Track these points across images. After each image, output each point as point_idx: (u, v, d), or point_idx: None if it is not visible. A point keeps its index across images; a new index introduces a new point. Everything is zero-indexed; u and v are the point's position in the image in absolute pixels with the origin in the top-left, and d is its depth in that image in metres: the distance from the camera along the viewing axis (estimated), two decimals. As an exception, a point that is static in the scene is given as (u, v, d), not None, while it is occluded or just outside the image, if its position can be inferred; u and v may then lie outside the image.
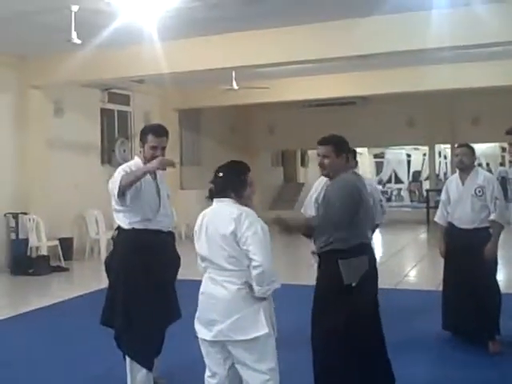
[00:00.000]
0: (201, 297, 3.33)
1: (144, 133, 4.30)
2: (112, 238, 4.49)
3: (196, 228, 3.38)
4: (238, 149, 17.33)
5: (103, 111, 13.05)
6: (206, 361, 3.35)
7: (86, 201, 11.62)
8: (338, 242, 3.74)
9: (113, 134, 13.34)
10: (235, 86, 11.82)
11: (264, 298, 3.23)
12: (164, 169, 4.16)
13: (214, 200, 3.37)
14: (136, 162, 4.31)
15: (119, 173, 4.14)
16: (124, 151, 13.21)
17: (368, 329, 3.83)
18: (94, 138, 12.69)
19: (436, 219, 5.72)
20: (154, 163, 4.03)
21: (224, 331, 3.21)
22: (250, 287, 3.20)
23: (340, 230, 3.73)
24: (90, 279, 9.42)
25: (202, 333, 3.30)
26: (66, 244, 10.95)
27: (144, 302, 4.12)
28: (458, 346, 5.29)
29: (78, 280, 9.84)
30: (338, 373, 3.75)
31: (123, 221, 4.23)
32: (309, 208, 5.45)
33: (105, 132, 13.12)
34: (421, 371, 4.75)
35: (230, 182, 3.36)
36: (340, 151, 3.90)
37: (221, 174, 3.39)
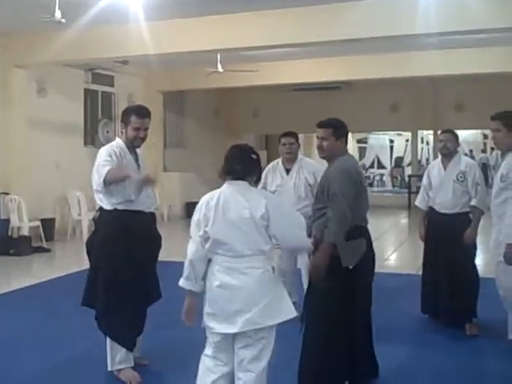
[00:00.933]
0: (218, 290, 3.14)
1: (126, 114, 4.26)
2: (93, 219, 4.46)
3: (206, 212, 3.17)
4: (222, 132, 17.31)
5: (87, 92, 12.95)
6: (216, 354, 3.22)
7: (69, 182, 11.58)
8: None
9: (96, 115, 13.26)
10: (220, 69, 11.77)
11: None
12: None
13: (228, 183, 3.24)
14: (118, 144, 4.28)
15: (104, 158, 4.10)
16: (107, 132, 13.14)
17: (358, 312, 3.86)
18: (77, 119, 12.60)
19: (417, 203, 5.79)
20: (140, 181, 4.11)
21: (253, 319, 3.10)
22: (273, 269, 3.19)
23: (347, 209, 3.66)
24: (71, 260, 9.41)
25: (223, 328, 3.16)
26: (47, 225, 10.91)
27: (125, 283, 4.13)
28: (436, 329, 5.37)
29: (60, 261, 9.82)
30: (323, 354, 3.77)
31: (105, 202, 4.21)
32: None
33: (88, 113, 13.03)
34: (399, 352, 4.83)
35: (256, 165, 3.29)
36: (339, 134, 3.92)
37: (254, 156, 3.27)
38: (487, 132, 24.30)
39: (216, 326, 3.18)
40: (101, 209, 4.29)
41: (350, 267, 3.69)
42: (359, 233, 3.78)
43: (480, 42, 10.74)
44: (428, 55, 11.78)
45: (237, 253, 3.12)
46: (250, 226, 3.12)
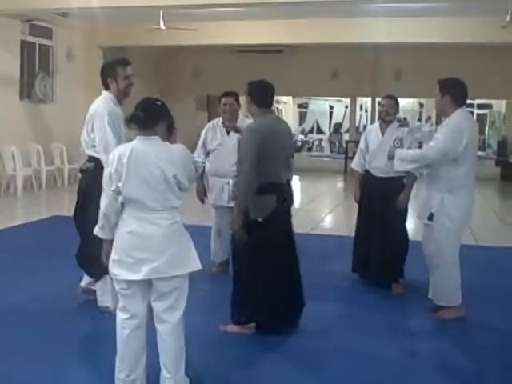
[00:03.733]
0: (127, 236, 3.20)
1: (110, 68, 4.55)
2: (81, 170, 4.69)
3: (119, 167, 3.18)
4: (162, 91, 17.10)
5: (23, 44, 12.50)
6: (124, 303, 3.27)
7: (3, 136, 11.25)
8: None
9: (33, 69, 12.85)
10: (162, 26, 11.60)
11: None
12: None
13: (140, 138, 3.25)
14: (111, 98, 4.53)
15: (106, 120, 4.37)
16: (44, 87, 12.79)
17: (275, 258, 4.23)
18: (12, 72, 12.17)
19: (353, 165, 5.97)
20: None
21: (159, 268, 3.17)
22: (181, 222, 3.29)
23: (249, 169, 4.03)
24: (4, 216, 9.20)
25: (127, 275, 3.19)
26: (-20, 179, 10.66)
27: None
28: (365, 288, 5.61)
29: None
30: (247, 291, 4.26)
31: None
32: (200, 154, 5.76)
33: (24, 66, 12.61)
34: (329, 309, 5.06)
35: (160, 111, 3.33)
36: (252, 99, 4.27)
37: (158, 103, 3.31)
38: (423, 101, 24.90)
39: (120, 273, 3.22)
40: (94, 158, 4.49)
41: (260, 219, 4.09)
42: (270, 189, 4.13)
43: (422, 12, 10.96)
44: (371, 22, 11.94)
45: (149, 208, 3.19)
46: (162, 183, 3.18)
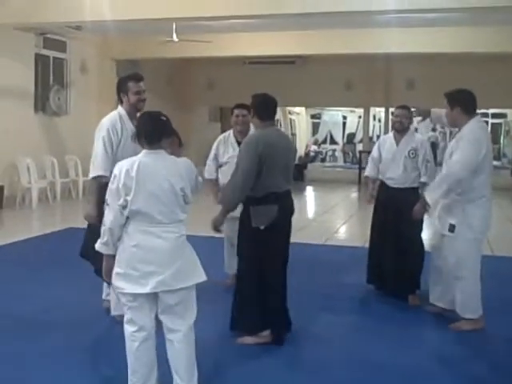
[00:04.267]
0: (133, 250, 3.19)
1: (122, 83, 4.64)
2: None
3: (127, 181, 3.16)
4: (176, 103, 17.17)
5: (38, 57, 12.61)
6: (131, 315, 3.27)
7: (19, 149, 11.34)
8: (251, 191, 4.18)
9: (47, 82, 12.96)
10: (175, 39, 11.66)
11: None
12: None
13: (146, 152, 3.26)
14: (120, 113, 4.62)
15: (102, 138, 4.48)
16: (59, 99, 12.89)
17: (273, 265, 4.30)
18: (27, 85, 12.27)
19: (366, 173, 5.97)
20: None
21: (166, 281, 3.19)
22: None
23: (250, 180, 4.14)
24: (19, 228, 9.27)
25: (133, 288, 3.20)
26: (-4, 192, 10.72)
27: None
28: (381, 299, 5.56)
29: (8, 228, 9.67)
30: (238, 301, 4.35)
31: None
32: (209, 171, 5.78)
33: (39, 79, 12.72)
34: (344, 320, 5.02)
35: (166, 126, 3.35)
36: (255, 112, 4.41)
37: (164, 118, 3.34)
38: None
39: (125, 286, 3.23)
40: None
41: (262, 227, 4.17)
42: (272, 198, 4.22)
43: (433, 22, 10.94)
44: (383, 33, 11.94)
45: (155, 221, 3.20)
46: (170, 196, 3.21)
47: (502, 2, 8.03)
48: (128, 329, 3.31)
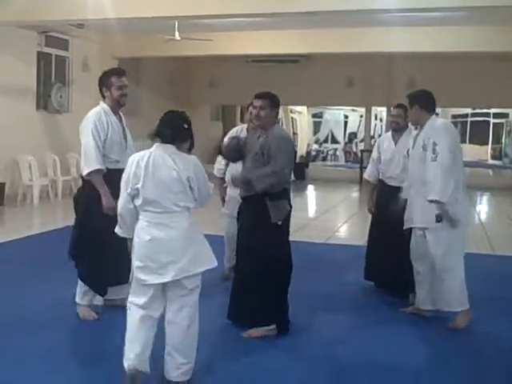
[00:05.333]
0: (149, 243, 3.39)
1: (105, 77, 4.63)
2: (81, 176, 4.73)
3: (137, 170, 3.41)
4: (177, 101, 17.17)
5: (40, 55, 12.63)
6: (150, 305, 3.43)
7: (20, 146, 11.37)
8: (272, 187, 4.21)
9: (50, 80, 12.98)
10: (177, 37, 11.67)
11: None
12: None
13: (157, 145, 3.48)
14: (103, 108, 4.64)
15: (90, 131, 4.52)
16: (61, 97, 12.90)
17: (286, 260, 4.38)
18: (29, 82, 12.31)
19: (366, 176, 5.97)
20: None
21: (184, 267, 3.38)
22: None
23: (279, 176, 4.19)
24: (20, 225, 9.28)
25: (155, 278, 3.39)
26: (-3, 189, 10.73)
27: (113, 235, 4.25)
28: (381, 297, 5.58)
29: (9, 226, 9.68)
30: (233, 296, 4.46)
31: None
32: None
33: (41, 77, 12.73)
34: (343, 317, 5.06)
35: (185, 134, 3.53)
36: (275, 106, 4.40)
37: (186, 126, 3.52)
38: (438, 110, 24.77)
39: (148, 278, 3.41)
40: None
41: (279, 223, 4.24)
42: (284, 194, 4.33)
43: (435, 21, 10.93)
44: (385, 32, 11.94)
45: (165, 209, 3.39)
46: (178, 185, 3.39)
47: (503, 1, 8.04)
48: (139, 312, 3.43)
